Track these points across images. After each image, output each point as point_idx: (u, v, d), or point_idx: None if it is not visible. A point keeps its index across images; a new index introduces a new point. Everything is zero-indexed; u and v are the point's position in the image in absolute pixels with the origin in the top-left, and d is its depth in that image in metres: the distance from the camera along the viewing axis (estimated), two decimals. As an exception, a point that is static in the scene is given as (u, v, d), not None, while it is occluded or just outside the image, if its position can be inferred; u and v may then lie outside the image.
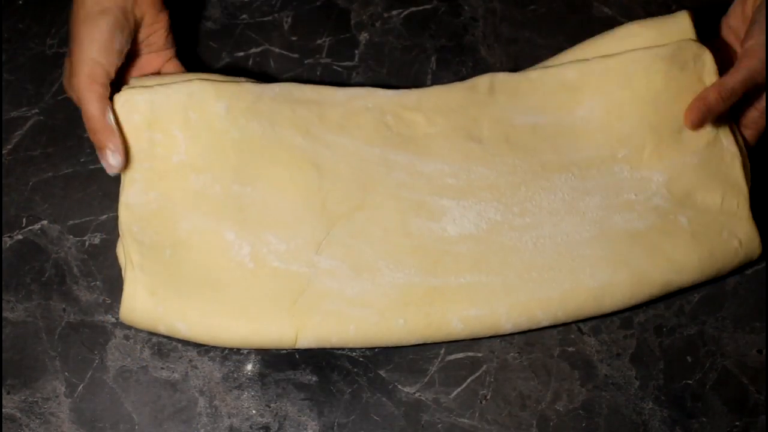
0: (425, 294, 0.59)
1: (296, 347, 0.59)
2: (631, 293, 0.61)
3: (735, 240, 0.62)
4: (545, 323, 0.61)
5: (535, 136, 0.64)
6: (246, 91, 0.62)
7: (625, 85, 0.64)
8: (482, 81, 0.65)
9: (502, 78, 0.65)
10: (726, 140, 0.64)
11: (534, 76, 0.65)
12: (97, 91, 0.58)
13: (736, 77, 0.61)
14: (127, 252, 0.59)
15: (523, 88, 0.65)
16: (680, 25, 0.66)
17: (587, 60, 0.66)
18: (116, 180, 0.67)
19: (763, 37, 0.61)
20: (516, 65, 0.73)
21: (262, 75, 0.72)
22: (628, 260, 0.61)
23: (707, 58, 0.64)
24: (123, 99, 0.59)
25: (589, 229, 0.62)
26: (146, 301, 0.58)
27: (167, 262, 0.59)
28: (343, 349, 0.62)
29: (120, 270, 0.64)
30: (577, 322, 0.64)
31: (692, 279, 0.62)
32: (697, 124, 0.62)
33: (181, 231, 0.59)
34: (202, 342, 0.59)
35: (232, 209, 0.60)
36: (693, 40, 0.65)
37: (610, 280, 0.60)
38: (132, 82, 0.62)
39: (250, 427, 0.60)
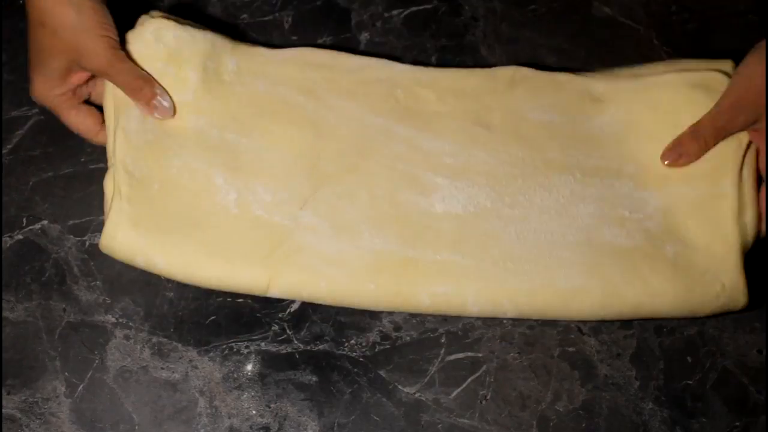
0: (399, 263, 0.60)
1: (267, 295, 0.60)
2: (600, 304, 0.60)
3: (718, 284, 0.60)
4: (510, 314, 0.61)
5: (545, 132, 0.64)
6: (257, 53, 0.65)
7: (651, 106, 0.65)
8: (504, 72, 0.66)
9: (526, 73, 0.66)
10: (730, 188, 0.62)
11: (561, 78, 0.66)
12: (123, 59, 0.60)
13: (709, 121, 0.61)
14: (117, 182, 0.60)
15: (545, 86, 0.65)
16: (722, 66, 0.65)
17: (617, 75, 0.66)
18: (116, 180, 0.67)
19: (749, 70, 0.60)
20: (516, 65, 0.73)
21: (262, 75, 0.72)
22: (604, 272, 0.60)
23: None
24: (154, 26, 0.61)
25: (575, 234, 0.61)
26: (129, 231, 0.59)
27: (154, 197, 0.60)
28: (343, 349, 0.62)
29: (120, 269, 0.64)
30: (576, 322, 0.63)
31: (665, 309, 0.60)
32: (672, 164, 0.62)
33: (172, 167, 0.61)
34: (176, 278, 0.60)
35: (224, 155, 0.62)
36: (723, 72, 0.64)
37: (581, 285, 0.60)
38: (153, 13, 0.63)
39: (250, 428, 0.60)
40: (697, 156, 0.62)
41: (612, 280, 0.60)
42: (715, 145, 0.62)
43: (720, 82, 0.64)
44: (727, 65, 0.66)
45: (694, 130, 0.62)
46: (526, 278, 0.60)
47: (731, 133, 0.62)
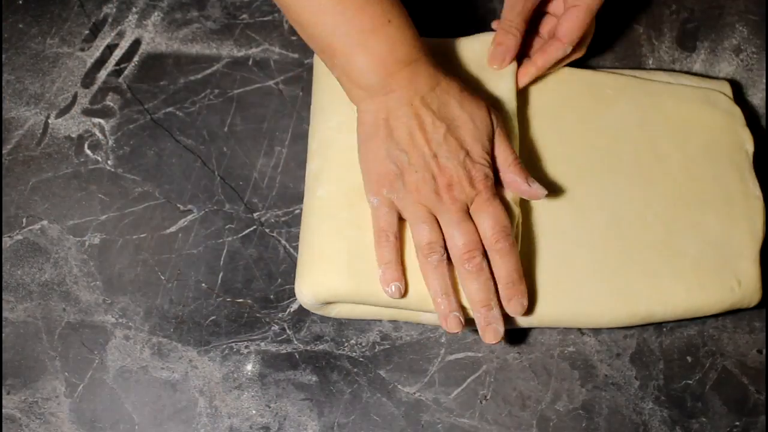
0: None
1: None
2: (610, 317, 0.60)
3: (734, 280, 0.61)
4: (518, 324, 0.61)
5: (556, 128, 0.64)
6: None
7: (658, 109, 0.66)
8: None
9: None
10: (753, 185, 0.64)
11: (566, 73, 0.67)
12: None
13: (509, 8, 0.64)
14: None
15: (551, 80, 0.66)
16: (721, 87, 0.68)
17: (621, 75, 0.68)
18: (116, 180, 0.67)
19: None
20: (516, 65, 0.73)
21: (263, 75, 0.72)
22: (616, 282, 0.60)
23: (737, 113, 0.67)
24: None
25: (587, 239, 0.61)
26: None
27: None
28: (343, 348, 0.62)
29: (120, 269, 0.64)
30: (577, 322, 0.64)
31: (679, 312, 0.61)
32: (500, 65, 0.64)
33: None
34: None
35: None
36: (726, 95, 0.67)
37: (592, 298, 0.60)
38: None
39: (250, 427, 0.60)
40: (517, 47, 0.64)
41: (624, 291, 0.60)
42: (526, 27, 0.64)
43: (724, 101, 0.67)
44: (725, 87, 0.68)
45: (503, 23, 0.63)
46: (537, 290, 0.60)
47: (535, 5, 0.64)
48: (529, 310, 0.59)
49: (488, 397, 0.62)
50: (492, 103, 0.61)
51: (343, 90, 0.58)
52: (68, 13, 0.74)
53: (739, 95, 0.72)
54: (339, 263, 0.57)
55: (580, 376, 0.62)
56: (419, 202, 0.56)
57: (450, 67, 0.62)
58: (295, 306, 0.64)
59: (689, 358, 0.63)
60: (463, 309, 0.57)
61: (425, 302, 0.57)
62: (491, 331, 0.56)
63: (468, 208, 0.57)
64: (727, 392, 0.62)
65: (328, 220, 0.58)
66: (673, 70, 0.72)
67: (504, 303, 0.57)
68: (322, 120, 0.62)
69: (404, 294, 0.57)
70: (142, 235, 0.65)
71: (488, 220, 0.56)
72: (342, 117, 0.61)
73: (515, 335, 0.63)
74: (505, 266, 0.56)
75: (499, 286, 0.57)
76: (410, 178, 0.56)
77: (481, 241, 0.56)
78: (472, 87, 0.61)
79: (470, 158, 0.57)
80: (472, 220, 0.57)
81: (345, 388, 0.61)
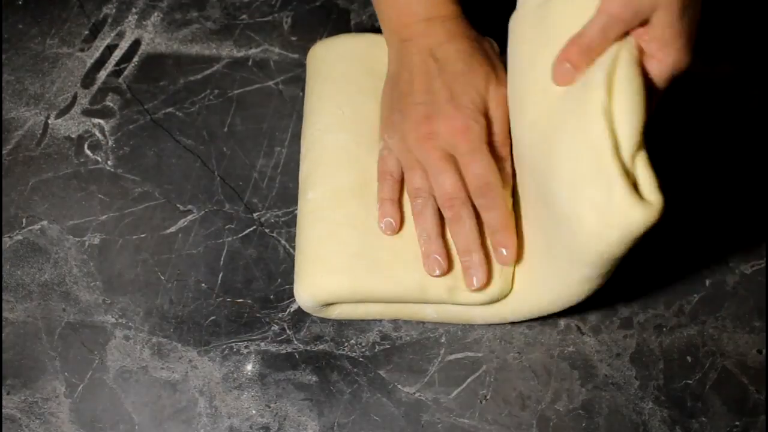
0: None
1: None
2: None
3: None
4: (511, 320, 0.62)
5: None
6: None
7: None
8: None
9: None
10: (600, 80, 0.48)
11: None
12: None
13: (594, 26, 0.50)
14: None
15: None
16: None
17: None
18: (116, 180, 0.67)
19: None
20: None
21: (262, 75, 0.72)
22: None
23: None
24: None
25: (541, 228, 0.57)
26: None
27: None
28: (343, 348, 0.62)
29: (120, 269, 0.64)
30: (577, 321, 0.63)
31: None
32: (564, 81, 0.51)
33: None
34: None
35: None
36: None
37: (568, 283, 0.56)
38: None
39: (250, 427, 0.60)
40: (584, 65, 0.50)
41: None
42: (603, 51, 0.49)
43: None
44: None
45: (582, 42, 0.50)
46: (527, 285, 0.59)
47: (620, 34, 0.49)
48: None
49: (488, 397, 0.62)
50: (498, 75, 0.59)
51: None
52: (68, 13, 0.74)
53: (738, 95, 0.72)
54: (334, 264, 0.57)
55: (580, 376, 0.62)
56: (408, 150, 0.58)
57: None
58: (295, 306, 0.64)
59: (689, 358, 0.63)
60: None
61: (423, 292, 0.58)
62: (468, 277, 0.58)
63: (453, 157, 0.58)
64: (727, 392, 0.62)
65: (320, 222, 0.59)
66: None
67: (493, 251, 0.58)
68: (312, 122, 0.63)
69: (397, 230, 0.58)
70: (142, 235, 0.65)
71: (467, 175, 0.57)
72: (329, 118, 0.61)
73: (515, 335, 0.63)
74: (487, 218, 0.58)
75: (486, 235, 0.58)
76: (401, 126, 0.58)
77: (465, 188, 0.57)
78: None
79: (455, 104, 0.57)
80: (457, 168, 0.57)
81: (345, 388, 0.62)
